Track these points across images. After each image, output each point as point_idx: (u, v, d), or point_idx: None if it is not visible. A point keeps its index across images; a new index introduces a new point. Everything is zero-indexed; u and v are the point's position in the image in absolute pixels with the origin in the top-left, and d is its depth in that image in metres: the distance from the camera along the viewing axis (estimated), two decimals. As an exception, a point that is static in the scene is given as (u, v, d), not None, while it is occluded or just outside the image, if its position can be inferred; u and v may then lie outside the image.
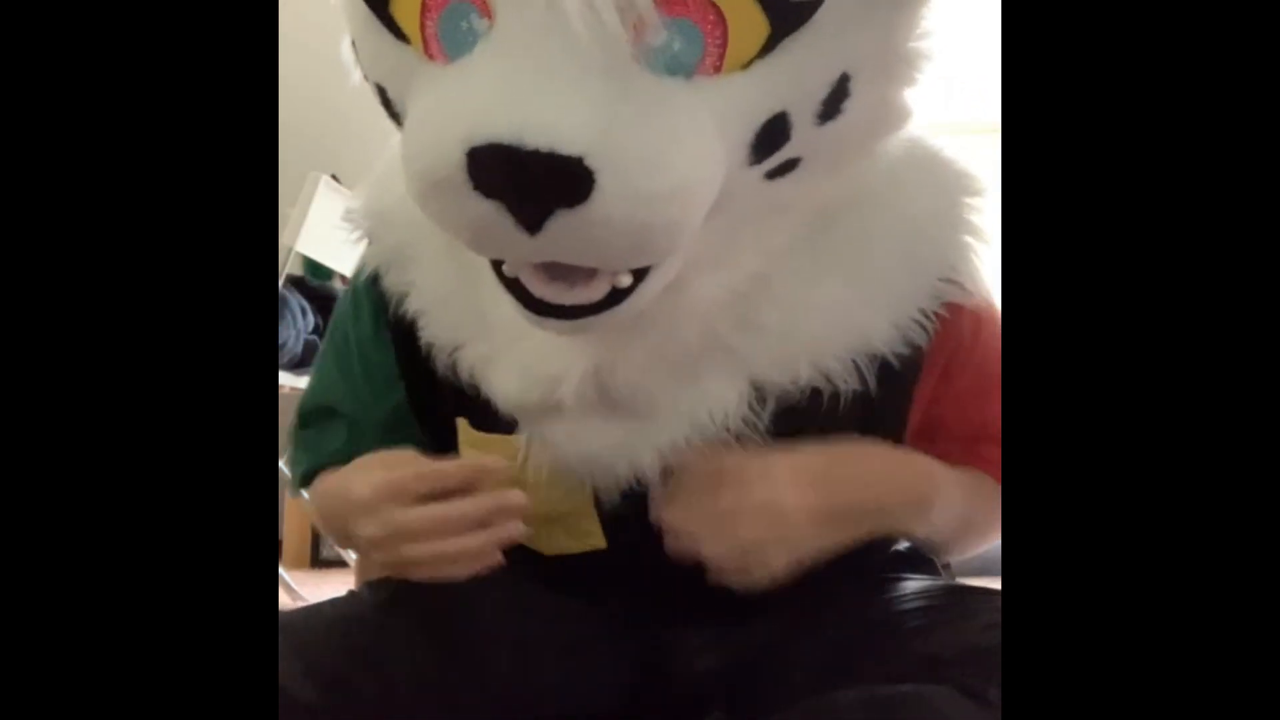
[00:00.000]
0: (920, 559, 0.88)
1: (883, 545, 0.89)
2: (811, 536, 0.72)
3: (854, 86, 0.63)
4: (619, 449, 0.74)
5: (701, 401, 0.73)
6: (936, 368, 0.78)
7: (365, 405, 0.85)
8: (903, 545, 0.90)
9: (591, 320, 0.65)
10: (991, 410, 0.77)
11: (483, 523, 0.69)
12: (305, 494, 0.87)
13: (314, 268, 2.74)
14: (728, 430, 0.73)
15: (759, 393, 0.74)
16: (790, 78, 0.60)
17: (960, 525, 0.80)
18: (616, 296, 0.64)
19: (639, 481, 0.75)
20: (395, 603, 0.79)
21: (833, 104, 0.63)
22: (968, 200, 0.77)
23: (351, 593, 0.84)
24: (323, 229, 2.35)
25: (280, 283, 2.45)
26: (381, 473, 0.72)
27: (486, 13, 0.58)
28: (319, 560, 3.34)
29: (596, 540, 0.80)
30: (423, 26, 0.61)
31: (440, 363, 0.79)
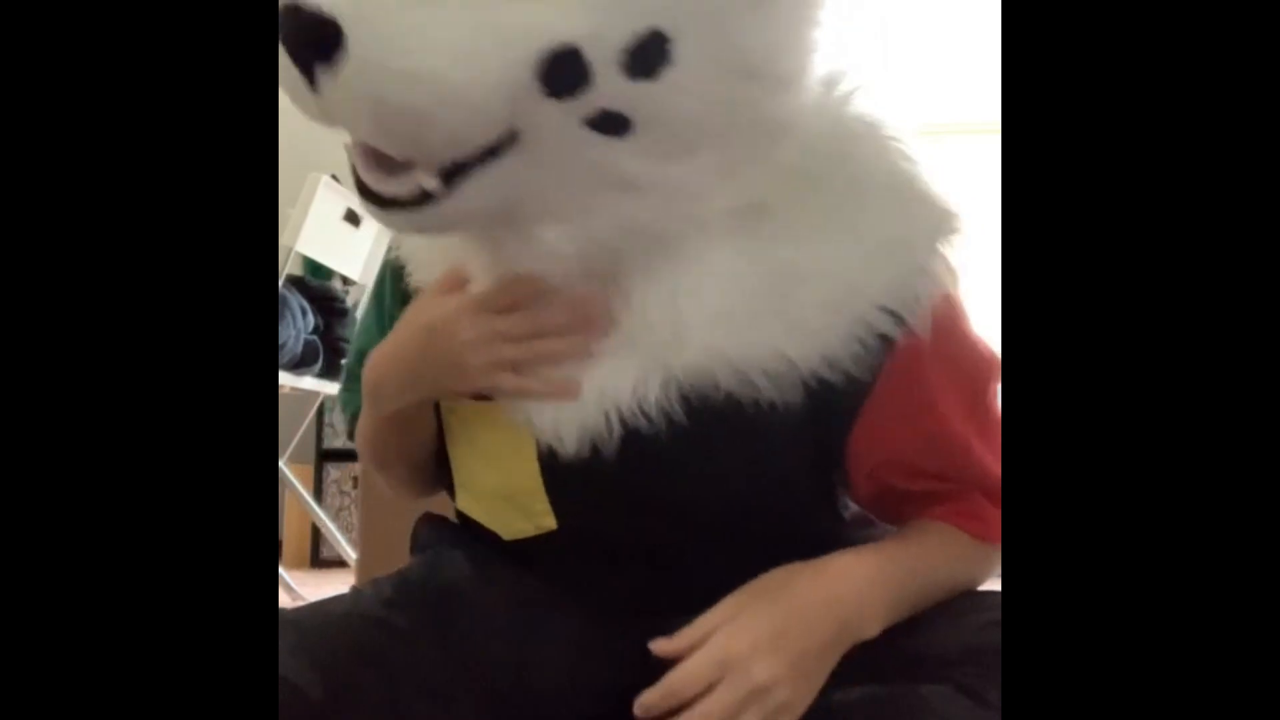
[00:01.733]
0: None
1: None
2: (801, 684, 0.71)
3: (675, 53, 0.63)
4: (545, 413, 0.76)
5: (611, 378, 0.74)
6: (880, 419, 0.75)
7: None
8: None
9: (399, 215, 0.68)
10: (955, 468, 0.77)
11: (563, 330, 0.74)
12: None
13: (314, 268, 2.74)
14: (643, 414, 0.73)
15: (674, 382, 0.73)
16: (584, 11, 0.62)
17: (927, 597, 0.78)
18: (425, 198, 0.66)
19: (566, 446, 0.76)
20: (396, 600, 0.80)
21: (642, 59, 0.63)
22: (938, 240, 0.74)
23: (354, 590, 0.84)
24: (323, 229, 2.35)
25: (280, 283, 2.45)
26: (458, 293, 0.77)
27: None
28: (319, 560, 3.35)
29: (547, 520, 0.80)
30: None
31: None
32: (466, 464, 0.84)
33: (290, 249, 2.34)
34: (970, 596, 0.77)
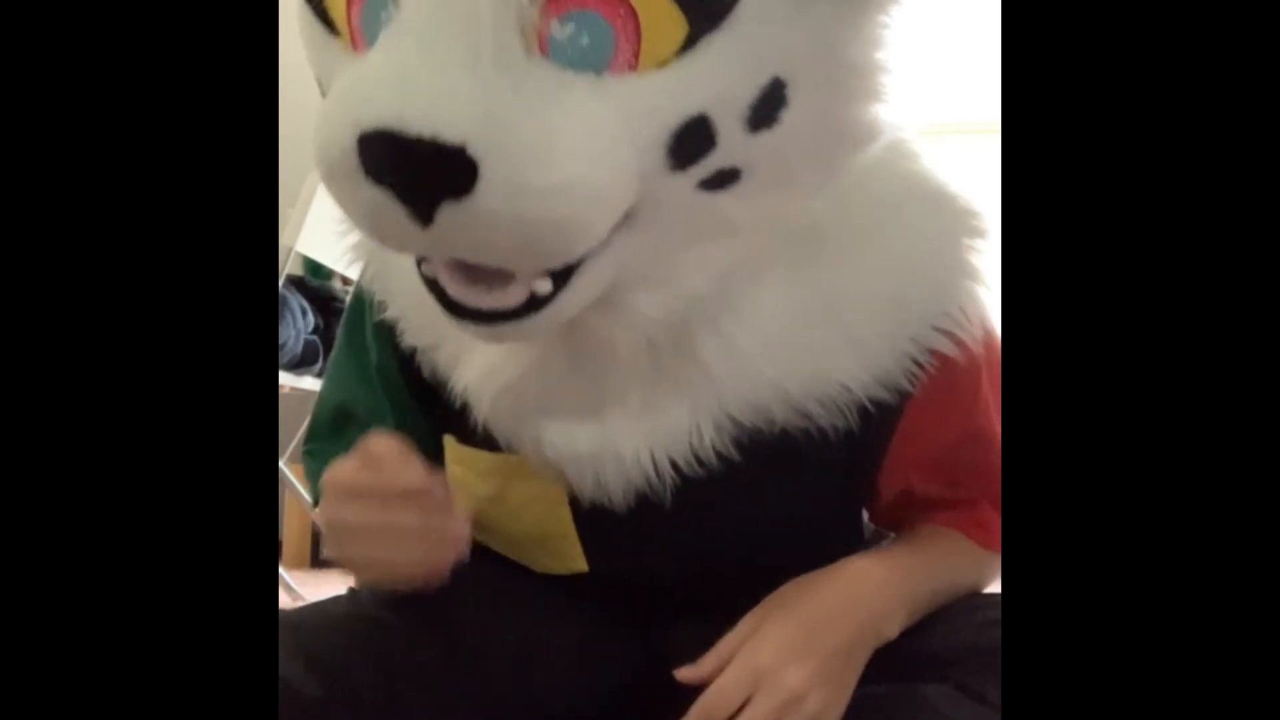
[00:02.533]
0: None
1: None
2: (833, 686, 0.71)
3: (792, 95, 0.59)
4: (587, 462, 0.74)
5: (662, 425, 0.72)
6: (920, 419, 0.75)
7: (381, 411, 0.85)
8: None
9: (509, 327, 0.62)
10: (976, 472, 0.77)
11: (422, 538, 0.70)
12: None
13: (314, 268, 2.74)
14: (696, 459, 0.72)
15: (728, 423, 0.72)
16: (711, 78, 0.57)
17: (938, 598, 0.78)
18: (535, 304, 0.61)
19: (613, 502, 0.74)
20: (395, 601, 0.79)
21: (765, 110, 0.59)
22: (969, 241, 0.74)
23: (352, 590, 0.84)
24: (323, 229, 2.35)
25: (280, 283, 2.45)
26: (345, 463, 0.71)
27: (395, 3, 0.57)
28: (319, 560, 3.35)
29: (578, 564, 0.80)
30: (349, 17, 0.60)
31: (423, 370, 0.79)
32: (488, 514, 0.81)
33: (290, 249, 2.34)
34: (970, 597, 0.77)
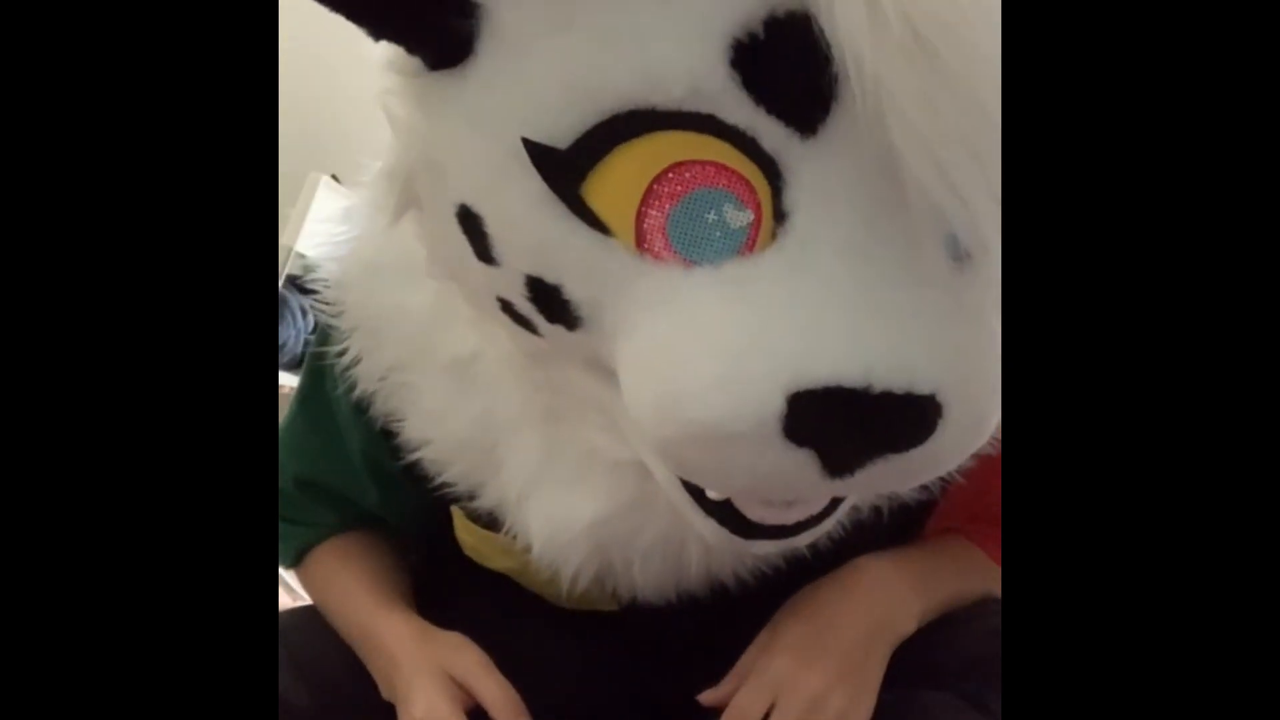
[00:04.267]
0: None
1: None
2: (855, 684, 0.69)
3: None
4: (624, 584, 0.72)
5: (707, 557, 0.70)
6: (957, 496, 0.74)
7: (360, 488, 0.82)
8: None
9: (806, 534, 0.56)
10: (988, 497, 0.75)
11: None
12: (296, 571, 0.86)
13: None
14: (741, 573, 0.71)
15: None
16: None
17: (949, 598, 0.77)
18: (827, 513, 0.55)
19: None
20: None
21: None
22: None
23: None
24: (323, 229, 2.34)
25: (280, 283, 2.45)
26: (439, 689, 0.70)
27: (752, 203, 0.46)
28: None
29: (606, 605, 0.79)
30: (640, 218, 0.47)
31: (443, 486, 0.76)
32: (501, 567, 0.80)
33: (290, 249, 2.34)
34: (971, 604, 0.77)
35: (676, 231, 0.47)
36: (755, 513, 0.54)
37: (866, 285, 0.44)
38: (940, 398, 0.45)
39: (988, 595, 0.78)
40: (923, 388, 0.44)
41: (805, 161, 0.45)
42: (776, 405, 0.44)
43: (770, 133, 0.45)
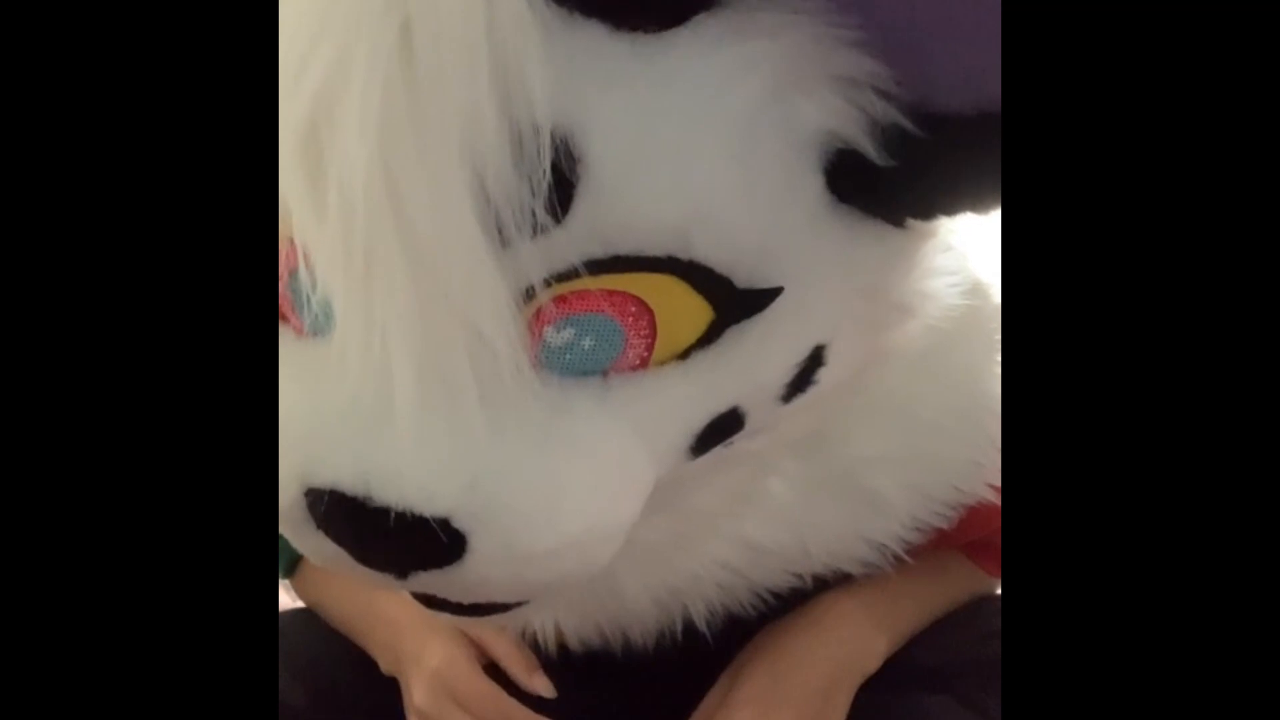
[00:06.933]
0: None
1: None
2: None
3: (831, 354, 0.51)
4: (612, 619, 0.72)
5: (696, 597, 0.69)
6: (948, 536, 0.72)
7: None
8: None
9: (494, 615, 0.54)
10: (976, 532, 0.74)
11: None
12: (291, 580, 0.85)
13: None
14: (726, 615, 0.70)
15: (760, 594, 0.70)
16: (743, 367, 0.48)
17: (929, 620, 0.77)
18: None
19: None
20: None
21: (802, 380, 0.50)
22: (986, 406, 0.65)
23: None
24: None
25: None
26: (457, 643, 0.70)
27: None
28: (319, 560, 3.33)
29: (575, 647, 0.79)
30: (279, 278, 0.48)
31: None
32: None
33: (291, 249, 2.34)
34: (971, 606, 0.76)
35: (296, 300, 0.47)
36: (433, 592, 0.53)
37: (390, 395, 0.42)
38: (457, 523, 0.43)
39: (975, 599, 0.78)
40: (427, 508, 0.43)
41: None
42: (293, 494, 0.45)
43: None
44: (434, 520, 0.43)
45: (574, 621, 0.71)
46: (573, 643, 0.72)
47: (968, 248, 0.63)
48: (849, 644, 0.71)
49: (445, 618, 0.56)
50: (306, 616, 0.81)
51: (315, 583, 0.82)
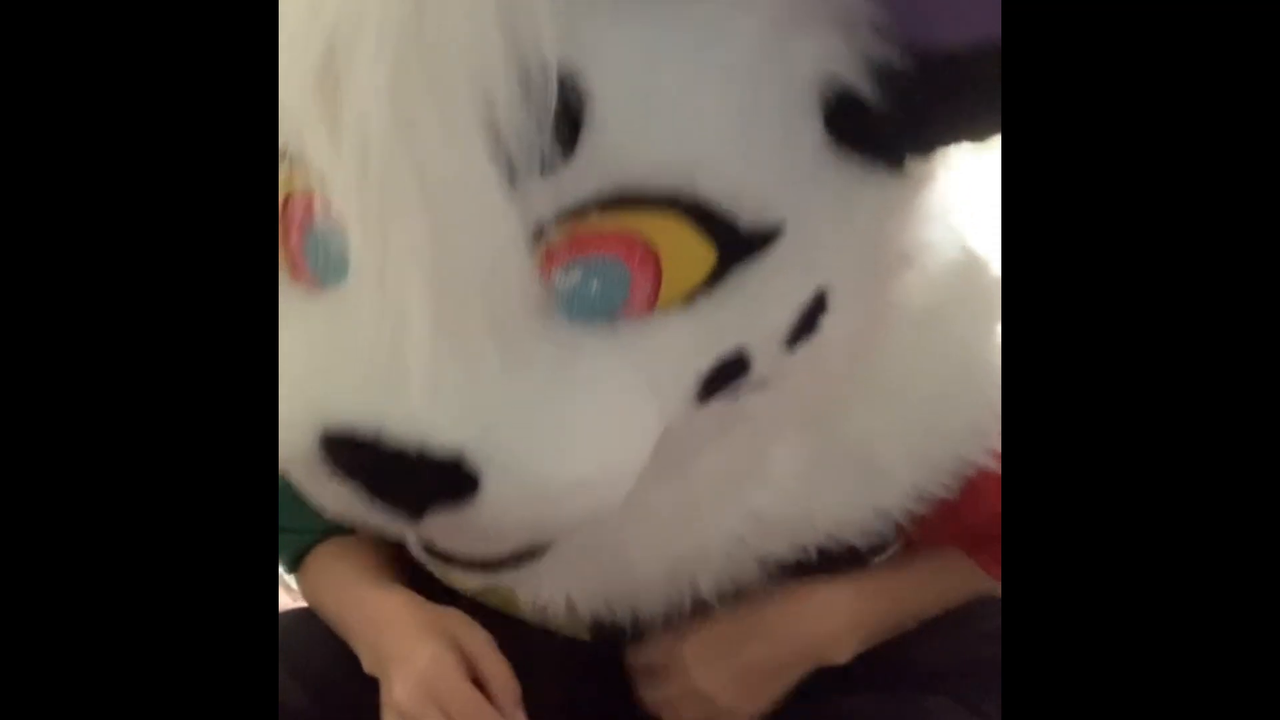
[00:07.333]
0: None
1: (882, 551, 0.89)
2: (744, 697, 0.71)
3: (834, 299, 0.51)
4: (619, 604, 0.72)
5: (697, 567, 0.69)
6: (950, 512, 0.71)
7: None
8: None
9: (505, 572, 0.56)
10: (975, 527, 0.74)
11: None
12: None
13: (315, 268, 2.73)
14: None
15: (768, 564, 0.69)
16: (747, 309, 0.48)
17: (914, 619, 0.76)
18: (533, 550, 0.55)
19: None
20: None
21: (805, 325, 0.51)
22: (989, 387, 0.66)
23: None
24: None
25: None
26: (446, 649, 0.70)
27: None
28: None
29: (581, 634, 0.79)
30: (285, 237, 0.50)
31: None
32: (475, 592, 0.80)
33: (291, 249, 2.34)
34: (970, 606, 0.76)
35: (311, 260, 0.48)
36: (452, 548, 0.54)
37: (403, 338, 0.43)
38: (470, 460, 0.44)
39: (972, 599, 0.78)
40: (440, 447, 0.43)
41: None
42: (309, 443, 0.46)
43: None
44: (446, 458, 0.43)
45: (584, 593, 0.70)
46: (583, 613, 0.72)
47: (965, 221, 0.64)
48: (816, 633, 0.72)
49: (463, 577, 0.58)
50: (307, 616, 0.81)
51: (314, 578, 0.82)
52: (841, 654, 0.72)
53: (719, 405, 0.52)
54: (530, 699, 0.77)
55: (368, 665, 0.74)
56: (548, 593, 0.70)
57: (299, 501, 0.81)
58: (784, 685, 0.71)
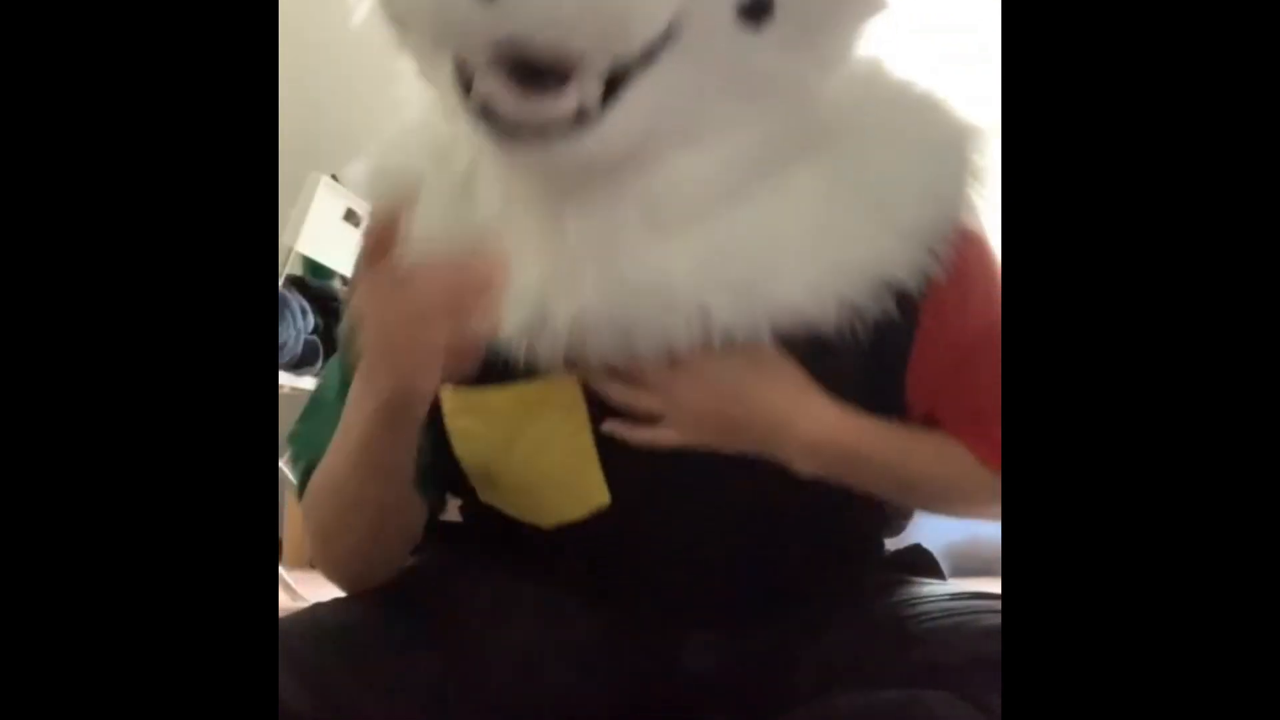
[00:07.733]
0: (921, 562, 0.88)
1: (881, 548, 0.89)
2: (688, 428, 0.74)
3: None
4: (615, 341, 0.73)
5: (692, 303, 0.71)
6: (941, 309, 0.75)
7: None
8: (903, 548, 0.90)
9: (562, 145, 0.64)
10: (971, 391, 0.76)
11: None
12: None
13: (314, 268, 2.73)
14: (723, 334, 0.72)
15: (761, 312, 0.72)
16: None
17: (897, 482, 0.79)
18: (586, 117, 0.64)
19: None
20: (391, 608, 0.79)
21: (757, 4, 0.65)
22: (969, 143, 0.76)
23: (347, 598, 0.83)
24: (323, 229, 2.34)
25: (280, 283, 2.45)
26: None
27: None
28: (319, 560, 3.33)
29: (600, 496, 0.78)
30: None
31: None
32: (500, 462, 0.81)
33: (290, 249, 2.34)
34: (972, 601, 0.76)
35: None
36: (508, 107, 0.63)
37: None
38: None
39: (961, 502, 0.80)
40: None
41: None
42: None
43: None
44: None
45: (595, 316, 0.72)
46: (589, 341, 0.72)
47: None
48: (790, 435, 0.74)
49: (524, 154, 0.65)
50: (308, 620, 0.80)
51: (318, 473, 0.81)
52: (800, 453, 0.75)
53: (734, 29, 0.66)
54: (538, 691, 0.77)
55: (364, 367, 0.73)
56: (562, 315, 0.71)
57: (308, 426, 0.81)
58: (723, 444, 0.74)
